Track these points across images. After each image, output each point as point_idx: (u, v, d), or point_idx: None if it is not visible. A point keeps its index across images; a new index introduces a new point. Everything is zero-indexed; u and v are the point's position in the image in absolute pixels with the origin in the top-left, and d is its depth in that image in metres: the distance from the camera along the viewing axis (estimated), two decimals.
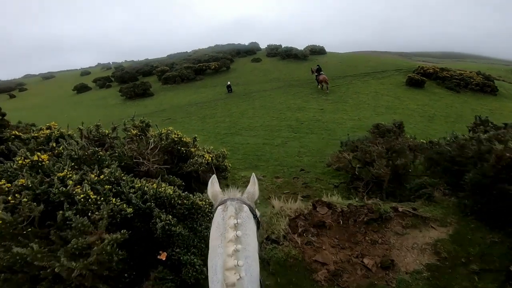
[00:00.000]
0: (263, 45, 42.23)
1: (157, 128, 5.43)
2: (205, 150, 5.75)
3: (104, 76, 41.31)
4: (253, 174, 1.49)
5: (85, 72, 59.02)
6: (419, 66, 27.51)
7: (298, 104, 17.83)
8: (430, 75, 25.54)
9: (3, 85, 50.20)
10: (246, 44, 42.71)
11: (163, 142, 4.77)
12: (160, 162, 4.69)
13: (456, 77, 25.31)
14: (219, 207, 1.22)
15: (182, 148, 5.00)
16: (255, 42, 43.16)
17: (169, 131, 5.04)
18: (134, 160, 4.50)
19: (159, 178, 3.71)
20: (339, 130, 13.14)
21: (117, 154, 4.28)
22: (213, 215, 1.23)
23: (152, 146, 4.66)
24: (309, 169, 8.99)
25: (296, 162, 9.44)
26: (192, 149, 5.15)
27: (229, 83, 22.72)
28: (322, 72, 21.82)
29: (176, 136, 4.98)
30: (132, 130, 4.93)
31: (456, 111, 18.98)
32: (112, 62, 69.83)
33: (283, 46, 36.96)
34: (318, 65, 23.17)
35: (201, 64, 31.18)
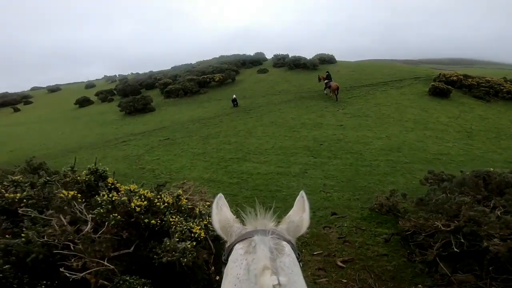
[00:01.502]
0: (269, 55, 40.66)
1: (107, 179, 3.35)
2: (197, 210, 3.62)
3: (107, 89, 40.07)
4: (302, 192, 0.95)
5: (90, 85, 58.26)
6: (440, 74, 25.27)
7: (313, 119, 15.70)
8: (454, 83, 23.24)
9: (9, 98, 49.52)
10: (252, 54, 41.17)
11: (113, 217, 2.66)
12: (107, 251, 2.57)
13: (484, 84, 22.96)
14: (237, 245, 0.74)
15: (153, 220, 2.90)
16: (261, 52, 41.61)
17: (127, 196, 2.95)
18: (56, 251, 2.40)
19: None
20: (367, 152, 10.90)
21: (14, 244, 2.18)
22: (226, 258, 0.75)
23: (90, 226, 2.57)
24: (342, 211, 6.77)
25: (323, 201, 7.22)
26: (172, 219, 3.02)
27: (234, 96, 20.81)
28: (332, 80, 20.71)
29: (141, 202, 2.88)
30: (64, 192, 2.83)
31: (493, 124, 16.58)
32: (119, 75, 69.24)
33: (290, 56, 35.27)
34: (327, 72, 21.89)
35: (205, 76, 29.49)
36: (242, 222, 0.83)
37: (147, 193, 3.06)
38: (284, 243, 0.74)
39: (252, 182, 8.43)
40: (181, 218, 3.03)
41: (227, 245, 0.82)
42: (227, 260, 0.76)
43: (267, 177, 8.68)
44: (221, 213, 0.87)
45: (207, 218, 3.45)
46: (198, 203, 3.79)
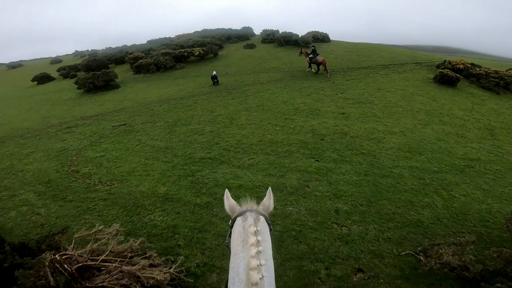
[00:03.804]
0: (257, 31, 36.81)
1: None
2: None
3: (70, 64, 35.05)
4: (270, 188, 1.56)
5: (56, 61, 52.13)
6: (445, 60, 22.94)
7: (308, 104, 12.91)
8: (460, 72, 21.04)
9: None
10: (239, 28, 37.12)
11: None
12: None
13: (493, 75, 20.89)
14: (238, 218, 1.36)
15: None
16: (249, 27, 37.63)
17: None
18: None
19: None
20: (382, 154, 8.32)
21: None
22: (232, 224, 1.37)
23: None
24: (370, 263, 4.16)
25: (338, 243, 4.55)
26: None
27: (214, 73, 17.53)
28: (318, 54, 18.96)
29: None
30: None
31: (511, 120, 14.48)
32: (91, 49, 62.49)
33: (280, 32, 31.75)
34: (313, 46, 19.57)
35: (183, 50, 25.60)
36: (240, 205, 1.44)
37: None
38: (261, 216, 1.34)
39: None
40: None
41: (232, 217, 1.40)
42: (232, 226, 1.36)
43: (252, 195, 5.88)
44: (229, 201, 1.47)
45: None
46: None
